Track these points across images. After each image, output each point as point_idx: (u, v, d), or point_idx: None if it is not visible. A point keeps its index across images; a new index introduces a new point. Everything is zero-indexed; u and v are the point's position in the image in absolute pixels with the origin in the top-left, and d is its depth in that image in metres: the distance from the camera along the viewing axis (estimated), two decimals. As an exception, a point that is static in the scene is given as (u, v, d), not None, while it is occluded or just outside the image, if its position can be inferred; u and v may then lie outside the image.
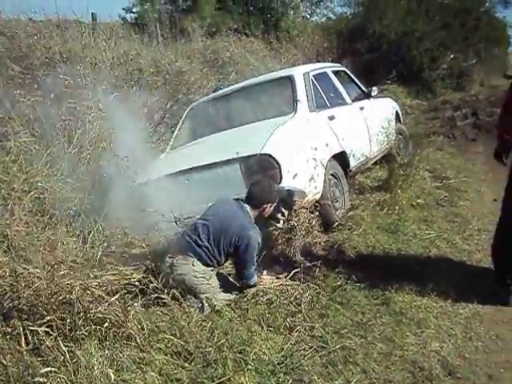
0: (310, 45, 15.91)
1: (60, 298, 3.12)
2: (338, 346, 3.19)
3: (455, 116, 11.13)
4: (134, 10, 15.13)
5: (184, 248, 3.86)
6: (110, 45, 7.94)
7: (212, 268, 3.91)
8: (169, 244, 4.21)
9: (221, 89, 6.82)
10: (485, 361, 3.08)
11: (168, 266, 3.81)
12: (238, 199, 4.11)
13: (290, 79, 5.70)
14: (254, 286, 3.91)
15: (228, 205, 4.07)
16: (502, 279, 3.67)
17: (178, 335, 3.14)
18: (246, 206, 4.04)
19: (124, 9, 15.20)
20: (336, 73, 6.79)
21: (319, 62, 11.57)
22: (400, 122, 8.01)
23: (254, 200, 4.07)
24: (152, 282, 3.60)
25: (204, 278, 3.81)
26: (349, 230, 4.91)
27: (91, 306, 3.10)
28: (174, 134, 6.01)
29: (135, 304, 3.49)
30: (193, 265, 3.79)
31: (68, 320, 3.07)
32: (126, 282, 3.74)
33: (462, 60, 15.44)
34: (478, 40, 16.20)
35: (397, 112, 7.93)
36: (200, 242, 3.84)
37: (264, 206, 4.09)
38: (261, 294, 3.75)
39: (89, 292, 3.18)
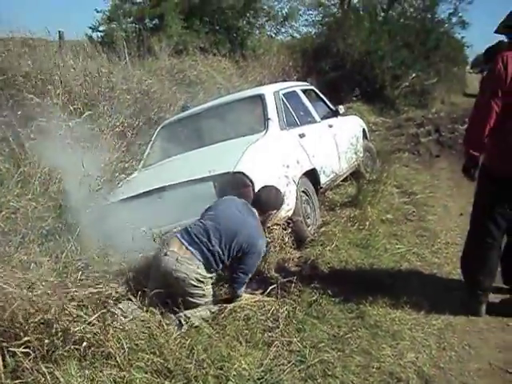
0: (276, 63, 16.11)
1: (37, 319, 3.09)
2: (316, 360, 3.23)
3: (419, 133, 11.41)
4: (100, 28, 15.13)
5: (192, 247, 3.85)
6: (78, 64, 7.91)
7: (212, 275, 3.92)
8: (167, 239, 4.12)
9: (188, 107, 6.86)
10: (459, 370, 3.17)
11: (173, 261, 3.77)
12: (246, 202, 4.17)
13: (260, 98, 5.78)
14: (238, 296, 3.97)
15: (239, 208, 4.08)
16: (472, 290, 3.78)
17: (158, 353, 3.13)
18: (255, 211, 4.11)
19: (90, 27, 15.18)
20: (305, 91, 6.91)
21: (285, 80, 11.73)
22: (367, 139, 8.18)
23: (262, 205, 4.16)
24: (131, 300, 3.60)
25: (203, 283, 3.82)
26: (321, 245, 4.97)
27: (69, 325, 3.08)
28: (146, 152, 6.01)
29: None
30: (198, 267, 3.80)
31: (46, 340, 3.04)
32: (105, 300, 3.71)
33: (424, 79, 15.85)
34: (439, 59, 16.68)
35: (363, 129, 8.10)
36: (210, 247, 3.84)
37: (270, 212, 4.18)
38: (238, 310, 3.78)
39: (67, 312, 3.15)
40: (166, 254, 3.82)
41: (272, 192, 4.25)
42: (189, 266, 3.78)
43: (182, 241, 3.87)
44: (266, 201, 4.19)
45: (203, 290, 3.84)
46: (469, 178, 3.71)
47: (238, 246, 3.86)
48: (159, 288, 3.72)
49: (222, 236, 3.86)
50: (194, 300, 3.81)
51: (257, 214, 4.11)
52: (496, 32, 3.76)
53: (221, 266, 3.92)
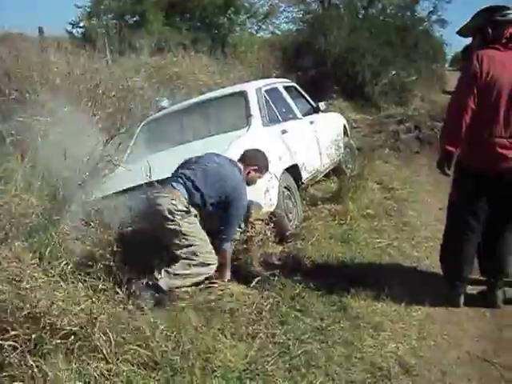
0: (257, 60, 16.15)
1: (25, 313, 3.11)
2: (299, 351, 3.29)
3: (399, 130, 11.52)
4: (80, 24, 15.05)
5: (176, 183, 4.06)
6: (59, 60, 7.87)
7: (188, 209, 4.02)
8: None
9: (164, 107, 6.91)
10: (438, 358, 3.26)
11: (148, 198, 4.01)
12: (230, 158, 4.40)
13: (243, 94, 5.83)
14: (225, 250, 4.15)
15: (225, 160, 4.33)
16: (450, 282, 3.89)
17: (144, 346, 3.17)
18: (240, 165, 4.35)
19: (71, 23, 15.08)
20: (286, 88, 6.97)
21: (266, 77, 11.77)
22: (347, 135, 8.26)
23: (248, 158, 4.42)
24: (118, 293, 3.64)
25: (176, 216, 3.93)
26: (303, 240, 5.03)
27: (57, 319, 3.10)
28: (129, 149, 6.01)
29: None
30: (173, 199, 3.94)
31: (34, 335, 3.06)
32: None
33: (404, 76, 15.97)
34: (418, 57, 16.81)
35: (344, 126, 8.18)
36: (197, 184, 4.06)
37: (252, 167, 4.40)
38: (225, 299, 3.87)
39: (55, 306, 3.17)
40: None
41: (262, 153, 4.55)
42: (164, 198, 3.98)
43: (172, 184, 4.11)
44: (252, 155, 4.48)
45: (177, 225, 3.93)
46: (443, 173, 3.79)
47: (224, 192, 4.07)
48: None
49: (210, 177, 4.10)
50: (177, 251, 3.97)
51: (242, 168, 4.32)
52: (458, 33, 3.86)
53: (204, 204, 4.08)
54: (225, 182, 4.13)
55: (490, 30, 3.57)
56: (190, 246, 3.99)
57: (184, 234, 3.97)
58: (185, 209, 4.00)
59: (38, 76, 6.66)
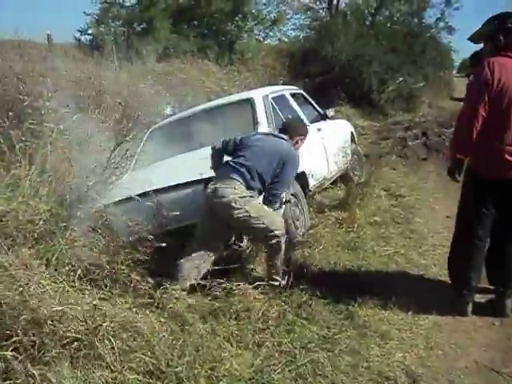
0: (264, 67, 16.18)
1: (29, 318, 3.10)
2: (306, 360, 3.27)
3: (406, 136, 11.48)
4: (89, 31, 15.14)
5: (227, 172, 4.23)
6: (68, 66, 7.91)
7: (253, 193, 4.21)
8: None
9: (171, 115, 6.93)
10: (446, 368, 3.23)
11: (210, 191, 4.11)
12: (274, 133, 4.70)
13: (250, 101, 5.83)
14: (274, 209, 4.27)
15: (271, 136, 4.56)
16: (458, 291, 3.85)
17: (150, 354, 3.16)
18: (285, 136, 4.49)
19: (79, 30, 15.18)
20: (293, 95, 6.96)
21: (273, 84, 11.78)
22: (355, 142, 8.24)
23: (290, 131, 4.57)
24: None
25: (243, 203, 4.08)
26: (310, 247, 5.03)
27: (61, 326, 3.09)
28: (136, 155, 6.02)
29: None
30: (235, 188, 4.10)
31: (37, 341, 3.06)
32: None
33: (411, 82, 15.96)
34: (426, 64, 16.80)
35: (351, 133, 8.16)
36: (247, 163, 4.20)
37: (297, 137, 4.57)
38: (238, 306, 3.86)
39: (59, 312, 3.17)
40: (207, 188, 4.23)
41: (298, 122, 4.96)
42: (227, 189, 4.10)
43: (230, 175, 4.21)
44: (294, 127, 4.70)
45: (246, 212, 4.07)
46: (454, 180, 3.79)
47: (279, 159, 4.24)
48: (209, 232, 4.21)
49: (262, 155, 4.24)
50: (251, 231, 4.25)
51: (287, 139, 4.48)
52: (470, 39, 3.86)
53: (263, 184, 4.26)
54: (277, 151, 4.29)
55: (501, 38, 3.56)
56: (264, 224, 4.10)
57: (255, 217, 4.09)
58: (247, 195, 4.13)
59: (48, 82, 6.68)
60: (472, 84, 3.64)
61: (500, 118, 3.49)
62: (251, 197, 4.17)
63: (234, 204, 4.05)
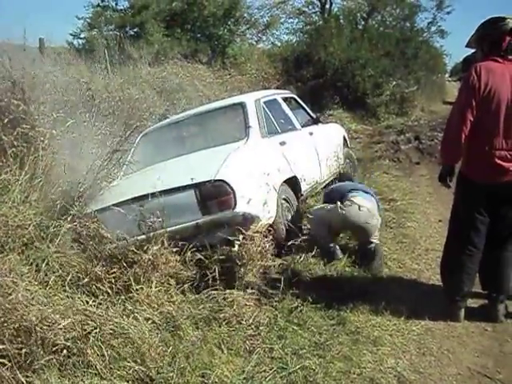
0: (257, 71, 16.17)
1: (16, 326, 3.06)
2: (297, 367, 3.24)
3: (399, 140, 11.52)
4: (81, 35, 15.11)
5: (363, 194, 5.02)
6: (60, 71, 7.86)
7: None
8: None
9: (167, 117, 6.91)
10: (438, 374, 3.21)
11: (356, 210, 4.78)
12: None
13: (241, 106, 5.81)
14: None
15: None
16: (451, 296, 3.84)
17: (140, 361, 3.13)
18: None
19: (71, 34, 15.15)
20: (285, 99, 6.96)
21: (266, 88, 11.78)
22: (347, 146, 8.23)
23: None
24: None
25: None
26: (302, 252, 4.99)
27: (50, 333, 3.06)
28: (127, 160, 5.97)
29: None
30: (366, 199, 4.94)
31: (24, 350, 3.02)
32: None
33: (404, 87, 16.02)
34: (418, 68, 16.89)
35: (344, 137, 8.15)
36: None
37: None
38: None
39: (48, 319, 3.13)
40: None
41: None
42: (364, 200, 4.86)
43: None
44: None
45: (378, 219, 4.90)
46: (445, 186, 3.80)
47: None
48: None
49: None
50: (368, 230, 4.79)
51: None
52: (467, 46, 3.86)
53: None
54: None
55: (489, 43, 3.57)
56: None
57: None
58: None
59: (41, 87, 6.64)
60: (460, 89, 3.65)
61: (489, 122, 3.49)
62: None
63: (372, 212, 4.88)
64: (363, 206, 4.78)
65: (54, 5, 47.75)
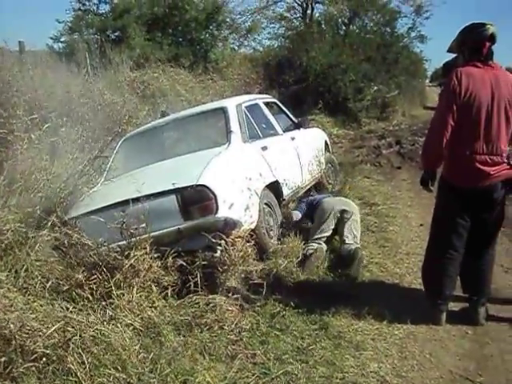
0: (239, 76, 16.17)
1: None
2: (280, 372, 3.23)
3: (380, 145, 11.60)
4: (62, 39, 14.98)
5: None
6: (38, 75, 7.78)
7: None
8: None
9: (167, 113, 6.87)
10: (420, 378, 3.22)
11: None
12: None
13: (223, 110, 5.79)
14: None
15: None
16: (432, 300, 3.86)
17: (120, 368, 3.09)
18: None
19: (52, 38, 15.01)
20: (267, 104, 6.95)
21: (248, 93, 11.77)
22: (329, 151, 8.25)
23: None
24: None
25: None
26: (284, 257, 4.97)
27: (29, 340, 3.01)
28: (108, 165, 5.92)
29: None
30: None
31: (3, 358, 2.97)
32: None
33: (385, 91, 16.12)
34: (399, 73, 17.02)
35: (326, 141, 8.17)
36: None
37: None
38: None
39: (27, 326, 3.08)
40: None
41: None
42: None
43: None
44: None
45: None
46: (427, 190, 3.83)
47: None
48: None
49: None
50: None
51: None
52: (449, 51, 3.89)
53: None
54: None
55: (468, 48, 3.60)
56: None
57: None
58: None
59: (18, 90, 6.57)
60: (441, 94, 3.68)
61: (470, 127, 3.51)
62: None
63: None
64: None
65: (34, 8, 47.38)
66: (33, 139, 5.27)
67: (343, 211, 5.28)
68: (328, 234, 5.25)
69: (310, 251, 4.95)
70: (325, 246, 5.15)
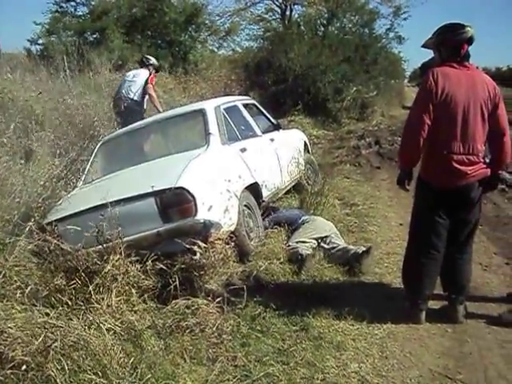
0: (218, 77, 16.16)
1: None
2: (261, 374, 3.22)
3: (360, 145, 11.67)
4: (39, 41, 14.85)
5: None
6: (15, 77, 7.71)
7: None
8: None
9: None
10: (400, 377, 3.23)
11: None
12: None
13: (201, 112, 5.76)
14: None
15: None
16: (412, 299, 3.88)
17: (101, 374, 3.05)
18: None
19: (29, 40, 14.87)
20: (246, 105, 6.94)
21: (227, 94, 11.75)
22: (308, 152, 8.26)
23: None
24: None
25: None
26: (264, 259, 4.97)
27: (8, 348, 2.96)
28: (87, 168, 5.87)
29: None
30: None
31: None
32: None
33: (364, 92, 16.21)
34: (378, 73, 17.12)
35: (305, 142, 8.18)
36: None
37: None
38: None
39: (6, 334, 3.04)
40: None
41: None
42: None
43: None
44: None
45: None
46: (403, 189, 3.85)
47: None
48: None
49: None
50: None
51: None
52: (423, 46, 3.91)
53: None
54: None
55: (444, 48, 3.63)
56: None
57: None
58: None
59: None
60: (417, 94, 3.71)
61: (447, 126, 3.54)
62: None
63: None
64: None
65: (10, 9, 46.82)
66: (5, 142, 5.21)
67: (321, 239, 5.33)
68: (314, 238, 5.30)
69: (307, 252, 4.95)
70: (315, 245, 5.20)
